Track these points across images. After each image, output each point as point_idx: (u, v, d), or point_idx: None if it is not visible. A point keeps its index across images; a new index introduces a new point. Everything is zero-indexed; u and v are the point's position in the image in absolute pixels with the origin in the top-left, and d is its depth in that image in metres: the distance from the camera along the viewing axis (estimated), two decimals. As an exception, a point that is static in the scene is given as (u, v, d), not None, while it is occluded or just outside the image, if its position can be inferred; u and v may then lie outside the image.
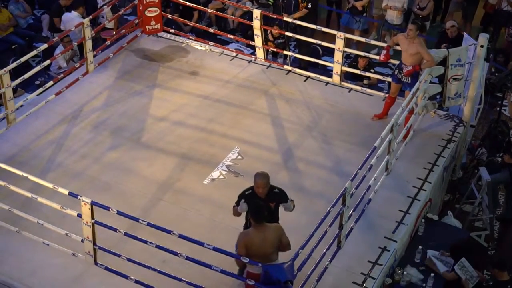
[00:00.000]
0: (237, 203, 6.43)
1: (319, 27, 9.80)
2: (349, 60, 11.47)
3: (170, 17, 11.00)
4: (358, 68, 10.42)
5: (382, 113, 8.99)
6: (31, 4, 12.99)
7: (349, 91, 9.61)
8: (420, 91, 8.22)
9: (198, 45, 10.57)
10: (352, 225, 7.14)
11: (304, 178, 8.10)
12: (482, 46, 8.53)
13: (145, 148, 8.53)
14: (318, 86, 9.71)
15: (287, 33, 10.40)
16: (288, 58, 11.11)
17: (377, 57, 9.22)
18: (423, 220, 7.79)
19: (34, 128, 8.73)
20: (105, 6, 10.81)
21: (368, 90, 9.65)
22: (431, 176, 8.11)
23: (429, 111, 8.77)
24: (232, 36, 11.06)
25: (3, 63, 9.71)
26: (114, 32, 10.77)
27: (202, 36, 11.14)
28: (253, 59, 10.23)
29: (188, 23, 11.18)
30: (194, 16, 12.42)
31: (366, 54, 9.86)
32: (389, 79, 9.21)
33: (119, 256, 6.59)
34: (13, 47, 11.82)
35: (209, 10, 11.24)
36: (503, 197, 9.33)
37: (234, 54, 10.39)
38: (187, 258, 6.21)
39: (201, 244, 6.10)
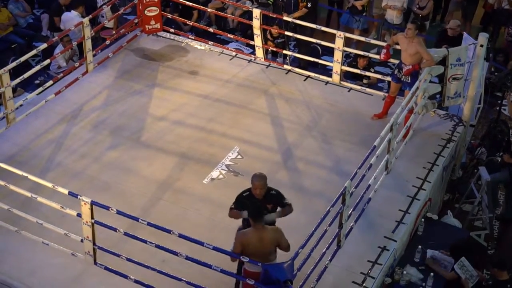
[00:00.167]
0: (235, 205, 6.42)
1: (318, 27, 9.80)
2: (348, 59, 11.48)
3: (169, 17, 10.99)
4: (357, 68, 10.42)
5: (382, 112, 8.99)
6: (31, 3, 12.98)
7: (348, 91, 9.60)
8: (419, 91, 8.22)
9: (197, 45, 10.57)
10: (351, 224, 7.14)
11: (304, 177, 8.10)
12: (481, 46, 8.53)
13: (144, 148, 8.52)
14: (317, 86, 9.70)
15: (286, 33, 10.39)
16: (287, 57, 11.10)
17: (377, 56, 9.23)
18: (422, 219, 7.79)
19: (33, 127, 8.73)
20: (104, 6, 10.81)
21: (368, 90, 9.64)
22: (431, 176, 8.11)
23: (429, 111, 8.77)
24: (231, 36, 11.05)
25: (2, 63, 9.72)
26: (114, 32, 10.77)
27: (202, 35, 11.13)
28: (253, 58, 10.23)
29: (187, 22, 11.17)
30: (193, 16, 12.41)
31: (366, 54, 9.86)
32: (388, 78, 9.21)
33: (118, 256, 6.59)
34: (12, 46, 11.81)
35: (209, 10, 11.24)
36: (503, 196, 9.33)
37: (234, 53, 10.39)
38: (187, 258, 6.21)
39: (200, 243, 6.10)
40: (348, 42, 10.19)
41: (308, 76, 9.89)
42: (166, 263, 6.69)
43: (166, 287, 6.45)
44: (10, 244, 7.07)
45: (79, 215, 6.60)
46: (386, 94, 9.17)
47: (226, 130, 8.83)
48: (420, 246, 7.41)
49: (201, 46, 10.54)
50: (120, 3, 12.01)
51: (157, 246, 6.33)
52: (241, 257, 6.01)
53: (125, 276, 6.56)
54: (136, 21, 10.59)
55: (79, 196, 6.49)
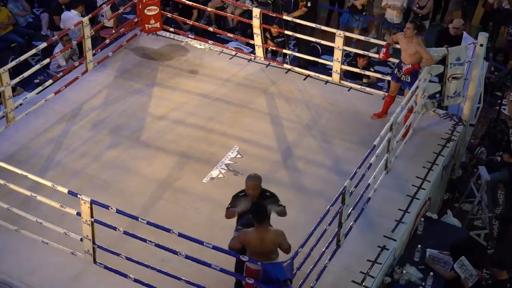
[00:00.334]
0: (231, 205, 6.41)
1: (318, 26, 9.80)
2: (348, 59, 11.48)
3: (169, 16, 11.00)
4: (357, 67, 10.42)
5: (382, 111, 8.99)
6: (31, 2, 12.97)
7: (348, 90, 9.60)
8: (419, 90, 8.22)
9: (197, 44, 10.56)
10: (351, 224, 7.14)
11: (304, 176, 8.10)
12: (481, 45, 8.53)
13: (144, 147, 8.52)
14: (317, 85, 9.70)
15: (286, 32, 10.40)
16: (287, 56, 11.11)
17: (376, 55, 9.22)
18: (422, 219, 7.79)
19: (33, 126, 8.72)
20: (104, 5, 10.81)
21: (368, 89, 9.64)
22: (431, 175, 8.11)
23: (429, 110, 8.77)
24: (231, 35, 11.05)
25: (2, 62, 9.72)
26: (114, 31, 10.76)
27: (202, 34, 11.13)
28: (253, 57, 10.23)
29: (187, 21, 11.17)
30: (193, 15, 12.41)
31: (366, 53, 9.85)
32: (388, 77, 9.21)
33: (118, 254, 6.59)
34: (12, 45, 11.81)
35: (209, 9, 11.23)
36: (503, 196, 9.34)
37: (234, 52, 10.38)
38: (187, 257, 6.21)
39: (200, 242, 6.10)
40: (348, 41, 10.19)
41: (308, 75, 9.89)
42: (166, 262, 6.69)
43: (166, 286, 6.45)
44: (10, 243, 7.07)
45: (78, 214, 6.60)
46: (386, 94, 9.17)
47: (225, 129, 8.83)
48: (419, 246, 7.41)
49: (200, 45, 10.53)
50: (119, 2, 12.02)
51: (157, 245, 6.33)
52: (240, 256, 6.01)
53: (125, 275, 6.56)
54: (135, 20, 10.59)
55: (78, 195, 6.49)
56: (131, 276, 6.53)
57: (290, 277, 5.85)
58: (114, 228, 6.49)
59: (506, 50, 11.64)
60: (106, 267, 6.69)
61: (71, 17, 11.24)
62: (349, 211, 6.95)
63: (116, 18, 11.47)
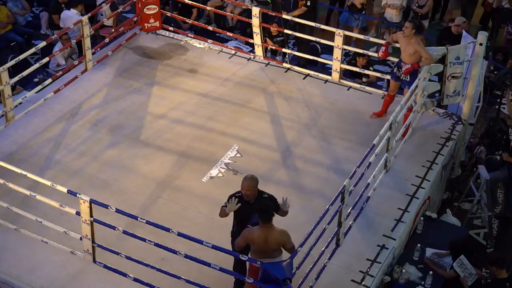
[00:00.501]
0: (226, 204, 6.40)
1: (318, 25, 9.80)
2: (348, 58, 11.48)
3: (169, 15, 10.99)
4: (357, 66, 10.41)
5: (381, 111, 8.99)
6: (30, 1, 12.97)
7: (348, 89, 9.60)
8: (419, 89, 8.22)
9: (197, 43, 10.56)
10: (350, 223, 7.14)
11: (303, 176, 8.10)
12: (481, 44, 8.53)
13: (144, 146, 8.52)
14: (317, 84, 9.70)
15: (286, 31, 10.39)
16: (287, 55, 11.11)
17: (376, 54, 9.22)
18: (421, 218, 7.80)
19: (32, 125, 8.72)
20: (104, 4, 10.81)
21: (367, 88, 9.65)
22: (430, 174, 8.12)
23: (428, 109, 8.77)
24: (231, 34, 11.04)
25: (1, 61, 9.70)
26: (113, 30, 10.76)
27: (201, 33, 11.13)
28: (252, 57, 10.22)
29: (187, 20, 11.16)
30: (193, 14, 12.40)
31: (365, 52, 9.85)
32: (388, 77, 9.21)
33: (117, 254, 6.59)
34: (11, 44, 11.80)
35: (208, 8, 11.22)
36: (502, 195, 9.34)
37: (233, 51, 10.38)
38: (186, 256, 6.20)
39: (200, 242, 6.10)
40: (347, 40, 10.20)
41: (308, 75, 9.89)
42: (165, 261, 6.69)
43: (165, 285, 6.45)
44: (10, 242, 7.07)
45: (78, 213, 6.60)
46: (385, 93, 9.17)
47: (225, 129, 8.83)
48: (419, 245, 7.42)
49: (200, 44, 10.53)
50: (119, 1, 12.03)
51: (156, 245, 6.33)
52: (240, 255, 6.01)
53: (124, 274, 6.56)
54: (135, 19, 10.59)
55: (78, 194, 6.49)
56: (130, 275, 6.53)
57: (289, 276, 5.85)
58: (114, 228, 6.49)
59: (506, 49, 11.63)
60: (105, 266, 6.70)
61: (70, 16, 11.24)
62: (349, 210, 6.95)
63: (115, 17, 11.46)
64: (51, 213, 7.11)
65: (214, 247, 6.06)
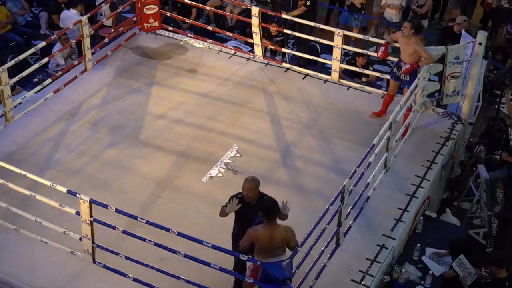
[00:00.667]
0: (227, 204, 6.40)
1: (317, 24, 9.80)
2: (347, 57, 11.47)
3: (168, 15, 10.99)
4: (356, 66, 10.41)
5: (381, 110, 8.99)
6: (29, 1, 12.96)
7: (347, 89, 9.60)
8: (418, 89, 8.22)
9: (196, 43, 10.56)
10: (350, 222, 7.14)
11: (303, 176, 8.10)
12: (480, 44, 8.53)
13: (143, 146, 8.52)
14: (316, 84, 9.70)
15: (285, 31, 10.39)
16: (286, 55, 11.11)
17: (375, 54, 9.22)
18: (421, 217, 7.80)
19: (32, 125, 8.72)
20: (103, 4, 10.80)
21: (367, 88, 9.65)
22: (430, 174, 8.12)
23: (428, 109, 8.77)
24: (230, 34, 11.04)
25: (1, 61, 9.70)
26: (113, 30, 10.76)
27: (201, 33, 11.13)
28: (252, 56, 10.22)
29: (186, 20, 11.16)
30: (192, 14, 12.40)
31: (365, 52, 9.85)
32: (387, 76, 9.21)
33: (117, 254, 6.59)
34: (11, 44, 11.80)
35: (208, 8, 11.22)
36: (502, 194, 9.34)
37: (233, 51, 10.38)
38: (186, 256, 6.21)
39: (199, 242, 6.10)
40: (347, 40, 10.19)
41: (307, 74, 9.89)
42: (165, 261, 6.69)
43: (165, 285, 6.45)
44: (9, 242, 7.07)
45: (78, 213, 6.59)
46: (385, 92, 9.17)
47: (225, 129, 8.83)
48: (419, 244, 7.42)
49: (199, 44, 10.53)
50: (118, 1, 12.02)
51: (156, 244, 6.33)
52: (240, 255, 6.01)
53: (124, 274, 6.56)
54: (134, 19, 10.59)
55: (77, 194, 6.49)
56: (130, 275, 6.53)
57: (289, 276, 5.86)
58: (113, 228, 6.49)
59: (505, 49, 11.64)
60: (105, 266, 6.70)
61: (70, 16, 11.24)
62: (348, 210, 6.95)
63: (115, 17, 11.46)
64: (51, 213, 7.11)
65: (214, 247, 6.06)
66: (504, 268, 7.00)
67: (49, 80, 9.25)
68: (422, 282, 7.09)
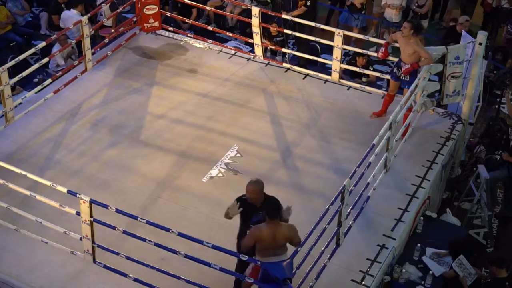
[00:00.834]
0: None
1: (317, 25, 9.80)
2: (348, 58, 11.47)
3: (168, 15, 10.99)
4: (357, 66, 10.41)
5: (381, 110, 8.99)
6: (29, 1, 12.97)
7: (348, 89, 9.60)
8: (418, 89, 8.22)
9: (196, 43, 10.56)
10: (350, 222, 7.14)
11: (303, 176, 8.10)
12: (480, 44, 8.53)
13: (143, 146, 8.52)
14: (316, 84, 9.70)
15: (286, 31, 10.39)
16: (287, 55, 11.11)
17: (376, 54, 9.22)
18: (421, 218, 7.80)
19: (32, 126, 8.72)
20: (103, 4, 10.80)
21: (367, 88, 9.65)
22: (430, 174, 8.12)
23: (428, 109, 8.77)
24: (230, 34, 11.04)
25: (1, 61, 9.71)
26: (113, 30, 10.76)
27: (201, 33, 11.13)
28: (252, 57, 10.22)
29: (186, 20, 11.16)
30: (192, 14, 12.40)
31: (365, 52, 9.85)
32: (387, 76, 9.21)
33: (117, 254, 6.59)
34: (11, 44, 11.81)
35: (208, 8, 11.22)
36: (502, 194, 9.34)
37: (233, 51, 10.38)
38: (186, 256, 6.20)
39: (200, 242, 6.10)
40: (347, 40, 10.19)
41: (307, 74, 9.89)
42: (165, 261, 6.69)
43: (165, 285, 6.45)
44: (9, 242, 7.07)
45: (78, 213, 6.59)
46: (385, 92, 9.17)
47: (225, 129, 8.83)
48: (419, 244, 7.42)
49: (200, 44, 10.53)
50: (119, 1, 12.02)
51: (156, 245, 6.33)
52: (240, 255, 6.01)
53: (124, 274, 6.56)
54: (135, 19, 10.59)
55: (78, 195, 6.49)
56: (130, 275, 6.53)
57: (289, 276, 5.86)
58: (114, 228, 6.49)
59: (505, 49, 11.64)
60: (105, 267, 6.69)
61: (70, 16, 11.24)
62: (349, 210, 6.95)
63: (115, 17, 11.46)
64: (51, 213, 7.11)
65: (214, 247, 6.06)
66: (504, 268, 7.00)
67: (49, 80, 9.25)
68: (423, 282, 7.09)
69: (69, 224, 6.92)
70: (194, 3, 10.75)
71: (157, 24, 10.55)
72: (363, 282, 6.76)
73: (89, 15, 9.58)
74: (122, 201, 7.49)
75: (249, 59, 10.19)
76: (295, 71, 9.98)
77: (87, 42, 9.39)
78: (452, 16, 12.72)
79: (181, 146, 8.52)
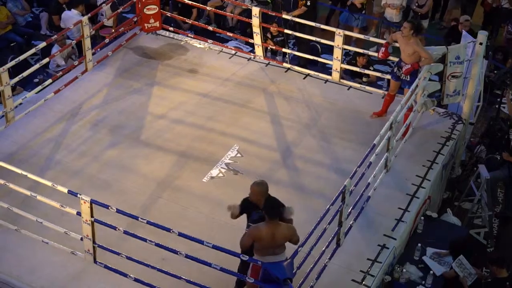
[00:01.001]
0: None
1: (318, 25, 9.80)
2: (348, 57, 11.47)
3: (169, 15, 10.99)
4: (357, 66, 10.41)
5: (381, 110, 8.99)
6: (30, 1, 12.97)
7: (348, 89, 9.60)
8: (419, 88, 8.22)
9: (197, 43, 10.56)
10: (351, 222, 7.14)
11: (303, 176, 8.10)
12: (481, 44, 8.53)
13: (144, 146, 8.52)
14: (317, 84, 9.70)
15: (286, 31, 10.40)
16: (287, 55, 11.11)
17: (376, 54, 9.22)
18: (422, 217, 7.80)
19: (33, 126, 8.72)
20: (104, 4, 10.80)
21: (367, 88, 9.65)
22: (430, 174, 8.12)
23: (428, 109, 8.77)
24: (231, 34, 11.05)
25: (1, 61, 9.73)
26: (113, 30, 10.76)
27: (201, 34, 11.13)
28: (252, 57, 10.22)
29: (187, 20, 11.16)
30: (193, 14, 12.40)
31: (365, 52, 9.85)
32: (388, 76, 9.22)
33: (118, 254, 6.59)
34: (11, 45, 11.81)
35: (208, 8, 11.23)
36: (502, 194, 9.34)
37: (233, 51, 10.38)
38: (187, 256, 6.21)
39: (200, 242, 6.10)
40: (347, 40, 10.19)
41: (308, 74, 9.89)
42: (166, 262, 6.69)
43: (166, 285, 6.45)
44: (10, 242, 7.07)
45: (78, 213, 6.60)
46: (386, 92, 9.17)
47: (225, 129, 8.83)
48: (419, 244, 7.42)
49: (200, 44, 10.53)
50: (119, 2, 12.02)
51: (157, 245, 6.33)
52: (240, 255, 6.01)
53: (125, 275, 6.56)
54: (135, 19, 10.59)
55: (78, 195, 6.49)
56: (131, 275, 6.53)
57: (290, 276, 5.86)
58: (114, 228, 6.49)
59: (506, 49, 11.64)
60: (106, 267, 6.70)
61: (71, 17, 11.25)
62: (349, 210, 6.96)
63: (115, 17, 11.46)
64: (52, 213, 7.11)
65: (215, 247, 6.06)
66: (505, 268, 7.00)
67: (50, 80, 9.25)
68: (423, 282, 7.09)
69: (69, 224, 6.92)
70: (194, 3, 10.75)
71: (157, 24, 10.56)
72: (363, 282, 6.76)
73: (89, 15, 9.58)
74: (123, 201, 7.49)
75: (249, 59, 10.20)
76: (295, 71, 9.98)
77: (87, 42, 9.39)
78: (452, 16, 12.72)
79: (181, 146, 8.52)
